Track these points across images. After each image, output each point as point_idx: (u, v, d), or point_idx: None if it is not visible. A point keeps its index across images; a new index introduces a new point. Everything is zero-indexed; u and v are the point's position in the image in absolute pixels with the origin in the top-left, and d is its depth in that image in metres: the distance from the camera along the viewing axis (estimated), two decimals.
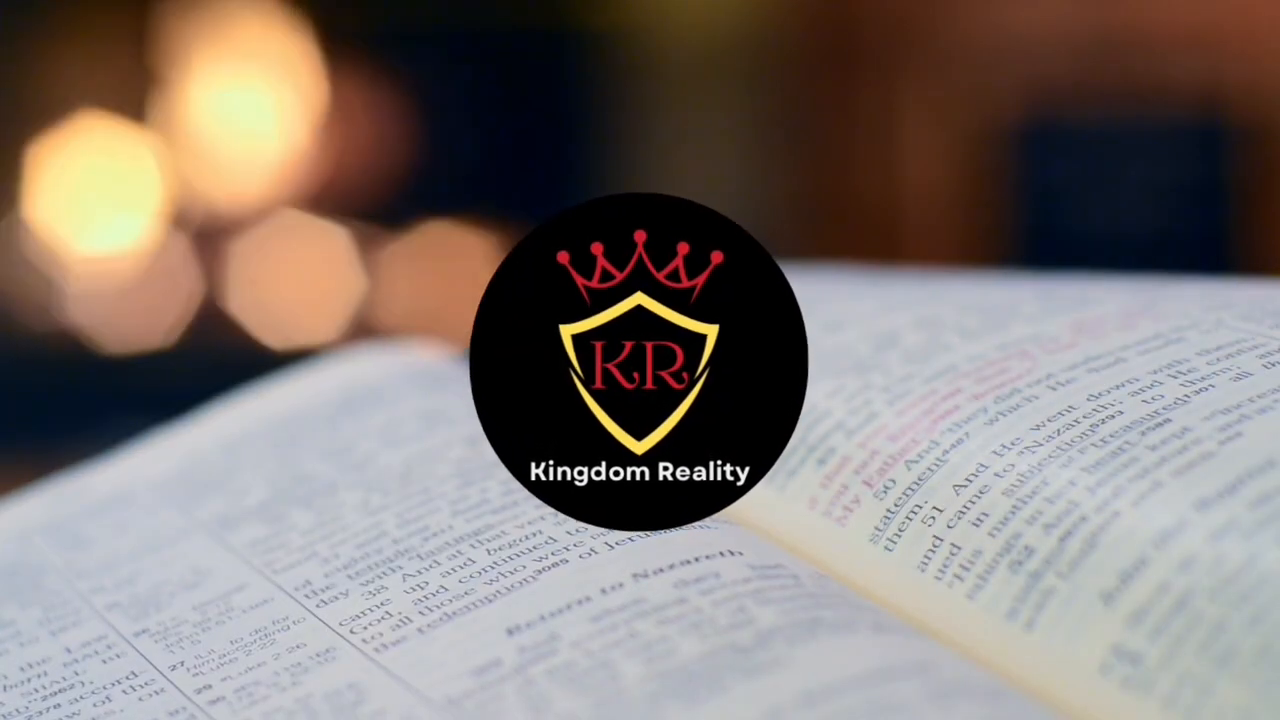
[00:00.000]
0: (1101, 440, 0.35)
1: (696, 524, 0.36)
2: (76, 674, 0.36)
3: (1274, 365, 0.36)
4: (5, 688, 0.36)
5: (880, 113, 1.69)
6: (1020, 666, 0.32)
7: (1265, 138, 1.60)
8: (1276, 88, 1.59)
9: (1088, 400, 0.36)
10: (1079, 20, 1.63)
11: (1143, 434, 0.35)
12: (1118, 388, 0.37)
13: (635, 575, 0.34)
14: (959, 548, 0.34)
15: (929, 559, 0.35)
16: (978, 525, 0.34)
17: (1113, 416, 0.36)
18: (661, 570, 0.34)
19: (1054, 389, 0.37)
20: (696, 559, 0.34)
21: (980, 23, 1.66)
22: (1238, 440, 0.33)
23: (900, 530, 0.36)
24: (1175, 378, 0.36)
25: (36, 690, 0.36)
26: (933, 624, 0.33)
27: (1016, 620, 0.32)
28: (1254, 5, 1.59)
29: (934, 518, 0.35)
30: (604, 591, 0.33)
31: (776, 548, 0.36)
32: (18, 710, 0.35)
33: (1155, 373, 0.37)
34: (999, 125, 1.66)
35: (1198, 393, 0.36)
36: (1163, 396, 0.36)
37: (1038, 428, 0.36)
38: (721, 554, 0.34)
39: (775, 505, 0.38)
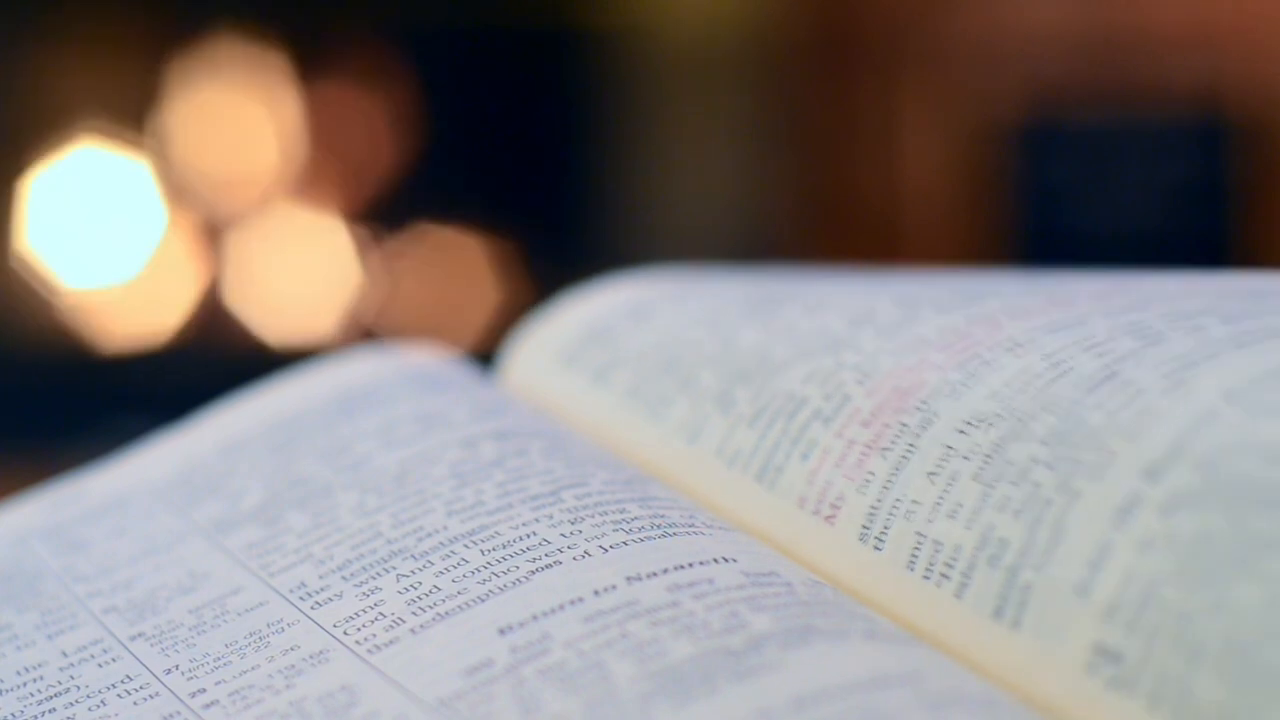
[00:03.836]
0: (1054, 403, 0.33)
1: (691, 528, 0.36)
2: (72, 678, 0.36)
3: (1230, 322, 0.34)
4: (2, 691, 0.36)
5: (880, 113, 1.70)
6: (1011, 669, 0.31)
7: (1265, 138, 1.60)
8: (1276, 88, 1.59)
9: (1041, 360, 0.35)
10: (1079, 20, 1.63)
11: (1090, 392, 0.33)
12: (1072, 344, 0.35)
13: (629, 578, 0.34)
14: (940, 544, 0.33)
15: (915, 557, 0.34)
16: (953, 517, 0.33)
17: (1064, 375, 0.34)
18: (655, 574, 0.34)
19: (1011, 349, 0.36)
20: (690, 564, 0.34)
21: (980, 22, 1.66)
22: (1179, 390, 0.32)
23: (885, 527, 0.35)
24: (1131, 334, 0.35)
25: (33, 694, 0.36)
26: (926, 627, 0.33)
27: (1003, 619, 0.31)
28: (1254, 5, 1.59)
29: (913, 511, 0.34)
30: (597, 593, 0.33)
31: (772, 554, 0.35)
32: (14, 714, 0.35)
33: (1112, 330, 0.35)
34: (999, 125, 1.66)
35: (1149, 346, 0.34)
36: (1114, 351, 0.34)
37: (992, 396, 0.34)
38: (715, 560, 0.34)
39: (767, 506, 0.37)
